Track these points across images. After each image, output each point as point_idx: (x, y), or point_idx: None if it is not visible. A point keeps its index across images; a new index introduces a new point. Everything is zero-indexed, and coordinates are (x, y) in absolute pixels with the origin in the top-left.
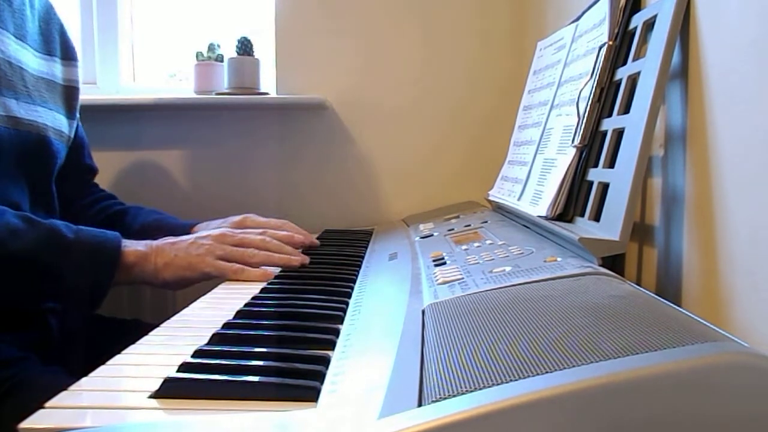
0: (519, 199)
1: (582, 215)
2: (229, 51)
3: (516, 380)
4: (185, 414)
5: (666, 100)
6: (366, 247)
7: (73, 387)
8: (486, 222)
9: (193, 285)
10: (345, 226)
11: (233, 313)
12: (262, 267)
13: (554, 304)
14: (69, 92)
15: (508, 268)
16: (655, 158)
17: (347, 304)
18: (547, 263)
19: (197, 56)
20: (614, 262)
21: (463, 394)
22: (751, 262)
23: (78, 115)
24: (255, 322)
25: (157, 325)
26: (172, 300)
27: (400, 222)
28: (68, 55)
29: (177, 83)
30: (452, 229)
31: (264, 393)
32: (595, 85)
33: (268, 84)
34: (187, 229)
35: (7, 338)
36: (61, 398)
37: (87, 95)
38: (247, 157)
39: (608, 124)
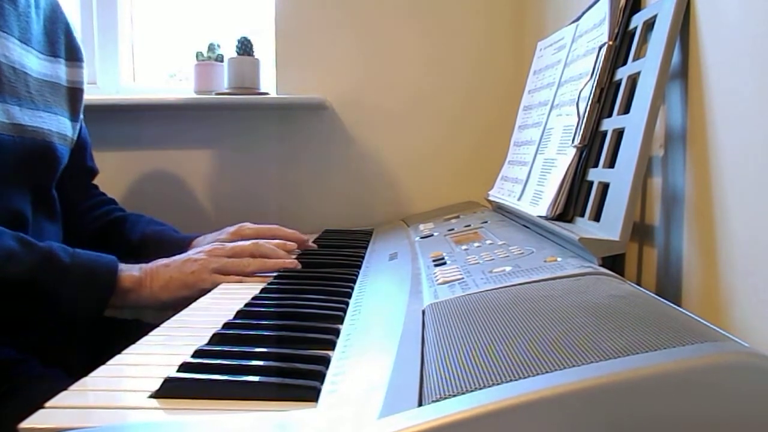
0: (519, 199)
1: (582, 215)
2: (229, 51)
3: (516, 380)
4: (185, 414)
5: (666, 100)
6: (366, 247)
7: (73, 387)
8: (486, 222)
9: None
10: (345, 226)
11: (233, 313)
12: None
13: (554, 304)
14: (73, 94)
15: (508, 268)
16: (655, 158)
17: (347, 304)
18: (547, 263)
19: (197, 56)
20: (614, 262)
21: (463, 393)
22: (751, 262)
23: (81, 116)
24: (255, 322)
25: (158, 326)
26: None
27: (400, 222)
28: (73, 56)
29: (177, 83)
30: (452, 229)
31: (264, 393)
32: (595, 85)
33: (268, 84)
34: (186, 244)
35: (6, 340)
36: (61, 398)
37: (87, 95)
38: (247, 157)
39: (608, 124)
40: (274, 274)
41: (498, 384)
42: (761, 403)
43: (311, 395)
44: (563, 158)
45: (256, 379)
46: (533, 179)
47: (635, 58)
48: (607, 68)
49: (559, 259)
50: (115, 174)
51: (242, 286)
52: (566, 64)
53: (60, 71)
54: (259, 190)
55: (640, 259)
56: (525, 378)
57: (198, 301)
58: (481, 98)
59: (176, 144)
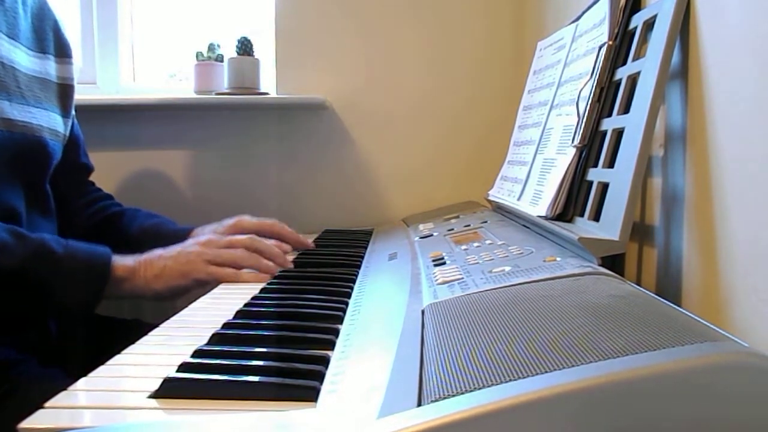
0: (519, 199)
1: (582, 215)
2: (229, 51)
3: (515, 380)
4: (185, 414)
5: (666, 100)
6: (366, 247)
7: (73, 387)
8: (486, 222)
9: (187, 293)
10: (345, 226)
11: (233, 313)
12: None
13: (554, 304)
14: (64, 90)
15: (507, 268)
16: (655, 158)
17: (347, 304)
18: (546, 263)
19: (197, 56)
20: (614, 262)
21: (462, 393)
22: (751, 262)
23: (73, 113)
24: (255, 322)
25: (157, 325)
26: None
27: (399, 222)
28: (62, 53)
29: (177, 83)
30: (452, 229)
31: (264, 393)
32: (595, 84)
33: (268, 84)
34: (184, 235)
35: (5, 340)
36: (60, 398)
37: (87, 95)
38: (247, 157)
39: (608, 124)
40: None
41: (497, 384)
42: (761, 403)
43: (311, 395)
44: (563, 158)
45: (255, 379)
46: (533, 179)
47: (635, 58)
48: (607, 68)
49: (558, 258)
50: (115, 174)
51: (242, 286)
52: (566, 64)
53: (49, 68)
54: (259, 190)
55: (640, 259)
56: (524, 378)
57: (197, 300)
58: (480, 98)
59: (176, 144)
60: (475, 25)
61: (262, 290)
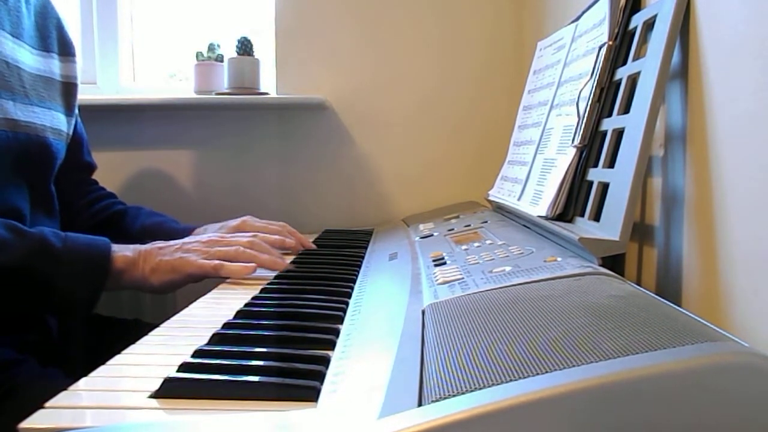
0: (519, 199)
1: (582, 215)
2: (229, 51)
3: (516, 380)
4: (185, 414)
5: (666, 100)
6: (366, 247)
7: (73, 387)
8: (486, 222)
9: (181, 288)
10: (345, 226)
11: (233, 313)
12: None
13: (554, 304)
14: (67, 89)
15: (508, 268)
16: (655, 158)
17: (347, 304)
18: (547, 263)
19: (197, 56)
20: (614, 262)
21: (463, 393)
22: (751, 261)
23: (77, 111)
24: (255, 322)
25: (157, 325)
26: (172, 300)
27: (400, 222)
28: (66, 51)
29: (177, 83)
30: (452, 229)
31: (264, 393)
32: (595, 85)
33: (268, 84)
34: (186, 233)
35: (5, 340)
36: (61, 398)
37: (87, 95)
38: (247, 157)
39: (608, 124)
40: (272, 274)
41: (498, 384)
42: (761, 403)
43: (311, 395)
44: (563, 158)
45: (256, 379)
46: (533, 179)
47: (635, 58)
48: (607, 68)
49: (559, 259)
50: (115, 174)
51: (242, 286)
52: (566, 64)
53: (53, 66)
54: (258, 189)
55: (640, 259)
56: (525, 378)
57: (198, 300)
58: (480, 98)
59: (176, 144)
60: (475, 25)
61: (263, 290)
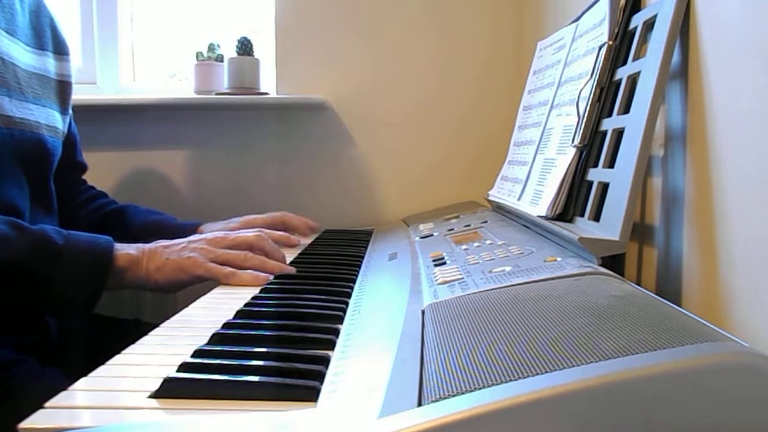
0: (519, 199)
1: (582, 215)
2: (229, 51)
3: (516, 380)
4: (185, 414)
5: (666, 100)
6: (366, 247)
7: (73, 387)
8: (486, 222)
9: (187, 287)
10: (345, 226)
11: (233, 313)
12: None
13: (554, 304)
14: (62, 87)
15: (507, 268)
16: (655, 158)
17: (347, 304)
18: (547, 263)
19: (197, 56)
20: (614, 262)
21: (463, 393)
22: (751, 261)
23: (71, 111)
24: (255, 322)
25: (157, 325)
26: (172, 300)
27: (399, 222)
28: (60, 50)
29: (177, 83)
30: (452, 229)
31: (264, 393)
32: (595, 85)
33: (268, 84)
34: (188, 230)
35: (4, 340)
36: (60, 398)
37: (87, 95)
38: (247, 157)
39: (608, 124)
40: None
41: (498, 384)
42: (761, 403)
43: (311, 395)
44: (563, 158)
45: (255, 379)
46: (533, 179)
47: (635, 58)
48: (607, 68)
49: (558, 259)
50: (115, 174)
51: (242, 286)
52: (566, 64)
53: (48, 64)
54: (258, 190)
55: (640, 259)
56: (525, 378)
57: (198, 300)
58: (480, 98)
59: (176, 144)
60: (475, 25)
61: (263, 290)
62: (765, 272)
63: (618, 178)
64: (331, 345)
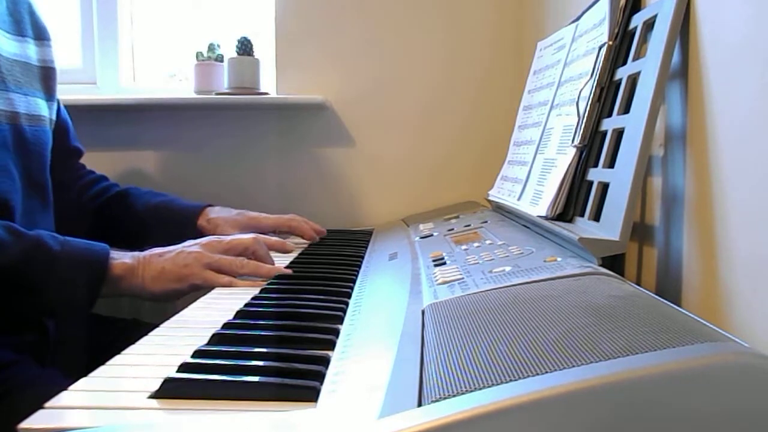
0: (519, 199)
1: (582, 215)
2: (229, 51)
3: (516, 380)
4: (185, 414)
5: (666, 100)
6: (366, 247)
7: (73, 387)
8: (486, 222)
9: (184, 296)
10: (345, 226)
11: (233, 313)
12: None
13: (554, 304)
14: (45, 73)
15: (508, 268)
16: (655, 158)
17: (347, 304)
18: (547, 263)
19: (197, 56)
20: (614, 262)
21: (463, 394)
22: (751, 261)
23: (58, 97)
24: (254, 322)
25: (157, 326)
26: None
27: (399, 222)
28: (41, 35)
29: (177, 83)
30: (452, 229)
31: (264, 393)
32: (595, 84)
33: (268, 84)
34: (196, 213)
35: (2, 341)
36: (60, 398)
37: (87, 95)
38: (247, 157)
39: (608, 124)
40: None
41: (498, 384)
42: (762, 403)
43: (311, 395)
44: (563, 158)
45: (255, 379)
46: (533, 179)
47: (635, 58)
48: (607, 68)
49: (558, 259)
50: (115, 174)
51: (242, 287)
52: (566, 63)
53: (29, 50)
54: (258, 190)
55: (640, 259)
56: (525, 378)
57: (197, 301)
58: (480, 98)
59: (176, 144)
60: (475, 25)
61: (262, 290)
62: (765, 272)
63: (618, 178)
64: (331, 345)
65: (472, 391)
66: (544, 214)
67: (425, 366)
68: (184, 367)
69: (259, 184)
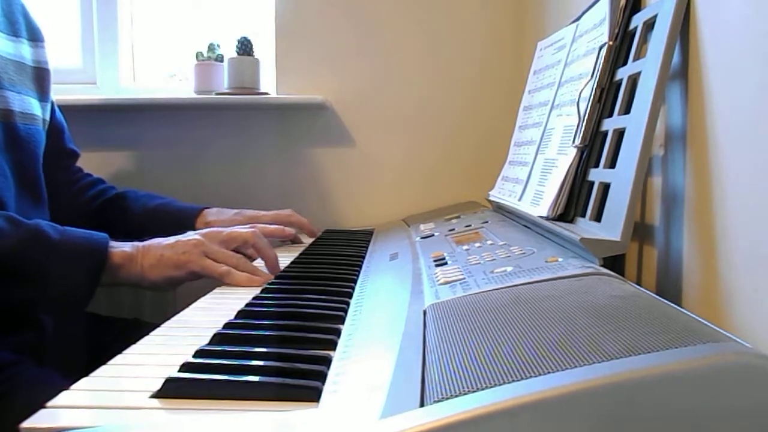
0: (520, 200)
1: (583, 215)
2: (229, 51)
3: (518, 380)
4: (187, 414)
5: (666, 100)
6: (366, 248)
7: (74, 387)
8: (487, 222)
9: (182, 284)
10: (345, 226)
11: (234, 313)
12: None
13: (556, 305)
14: (39, 74)
15: (509, 269)
16: (655, 158)
17: (348, 304)
18: (548, 263)
19: (197, 56)
20: (614, 262)
21: (465, 394)
22: (751, 261)
23: (52, 98)
24: (256, 322)
25: (158, 325)
26: (173, 300)
27: (400, 222)
28: (35, 36)
29: (177, 83)
30: (453, 229)
31: (265, 393)
32: (595, 85)
33: (268, 84)
34: (194, 214)
35: (1, 341)
36: (61, 398)
37: (87, 95)
38: (247, 157)
39: (609, 124)
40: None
41: (500, 384)
42: (763, 403)
43: (312, 395)
44: (564, 158)
45: (257, 379)
46: (534, 179)
47: (635, 58)
48: (608, 68)
49: (560, 259)
50: (115, 174)
51: (243, 286)
52: (566, 64)
53: (23, 51)
54: (258, 190)
55: (640, 259)
56: (527, 378)
57: (198, 300)
58: (481, 98)
59: (176, 144)
60: (475, 25)
61: (264, 290)
62: (765, 272)
63: (619, 179)
64: (333, 345)
65: (474, 392)
66: (545, 214)
67: (427, 366)
68: (185, 367)
69: (259, 184)
